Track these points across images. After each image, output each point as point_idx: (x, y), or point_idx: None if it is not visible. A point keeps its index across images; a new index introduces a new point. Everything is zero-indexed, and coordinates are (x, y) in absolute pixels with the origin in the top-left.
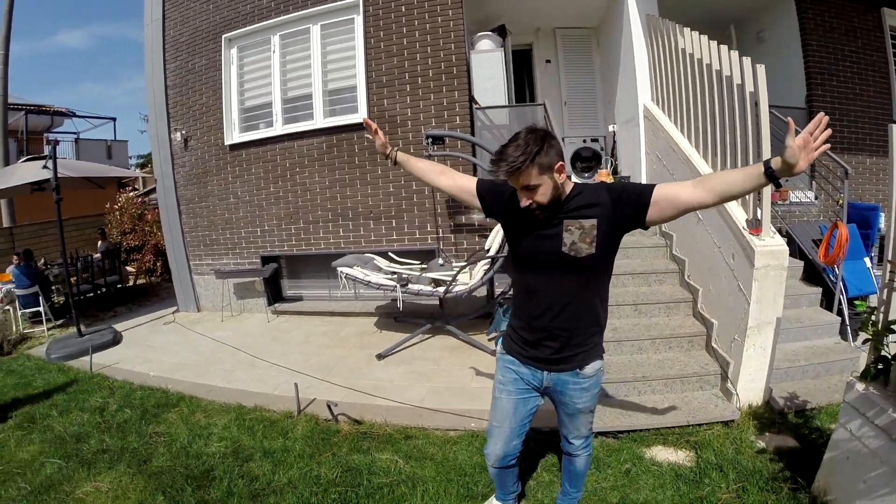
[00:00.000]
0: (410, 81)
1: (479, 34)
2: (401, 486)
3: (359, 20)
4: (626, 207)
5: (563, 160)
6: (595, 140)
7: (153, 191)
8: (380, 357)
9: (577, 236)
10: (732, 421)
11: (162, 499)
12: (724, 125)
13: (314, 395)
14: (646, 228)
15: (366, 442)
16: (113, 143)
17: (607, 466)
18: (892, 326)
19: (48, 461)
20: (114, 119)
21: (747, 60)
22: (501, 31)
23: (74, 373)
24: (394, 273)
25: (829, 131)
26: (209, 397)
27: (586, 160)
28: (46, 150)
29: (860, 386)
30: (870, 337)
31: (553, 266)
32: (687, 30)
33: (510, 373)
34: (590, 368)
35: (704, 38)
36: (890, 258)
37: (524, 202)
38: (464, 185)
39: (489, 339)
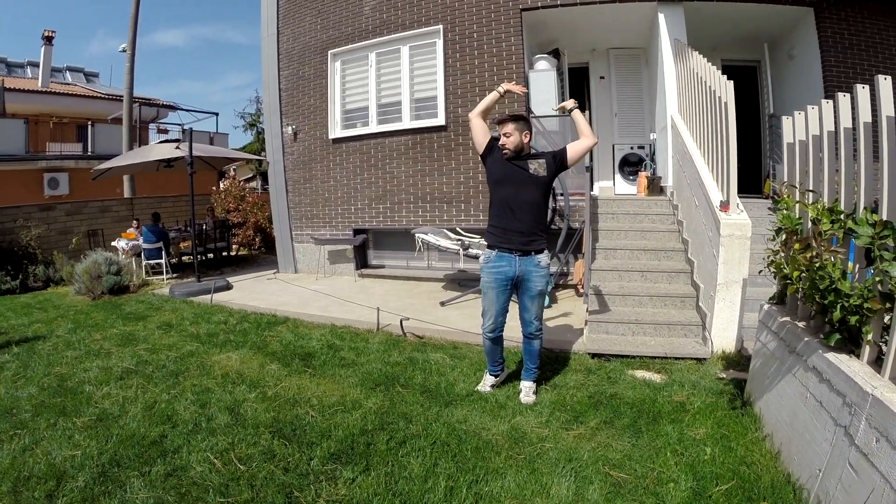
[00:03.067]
0: (480, 94)
1: (536, 56)
2: (444, 367)
3: (440, 43)
4: (557, 160)
5: (530, 133)
6: (641, 147)
7: (250, 180)
8: (442, 304)
9: (537, 166)
10: (705, 359)
11: (277, 364)
12: (713, 129)
13: (389, 322)
14: (567, 168)
15: (424, 347)
16: (215, 136)
17: (594, 374)
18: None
19: (187, 345)
20: (216, 114)
21: (723, 77)
22: (555, 54)
23: (196, 305)
24: (458, 239)
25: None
26: (308, 320)
27: (633, 164)
28: (153, 137)
29: (766, 306)
30: (774, 272)
31: (522, 182)
32: (695, 53)
33: (493, 274)
34: (542, 257)
35: (703, 59)
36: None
37: (502, 141)
38: (487, 132)
39: None
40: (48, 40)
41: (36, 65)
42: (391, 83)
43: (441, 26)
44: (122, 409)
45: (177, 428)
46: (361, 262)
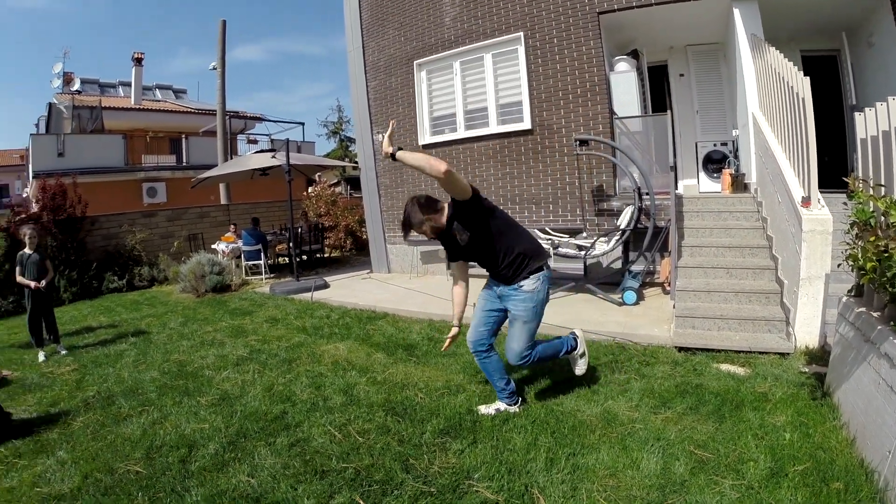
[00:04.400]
0: (563, 97)
1: (616, 58)
2: None
3: (521, 50)
4: (458, 210)
5: (432, 212)
6: (724, 144)
7: (335, 184)
8: None
9: (459, 233)
10: (788, 354)
11: (382, 354)
12: (793, 124)
13: None
14: (463, 202)
15: None
16: (302, 144)
17: (681, 366)
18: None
19: (294, 336)
20: (302, 123)
21: (800, 73)
22: (635, 55)
23: (298, 302)
24: (548, 239)
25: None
26: (406, 315)
27: (716, 162)
28: (243, 147)
29: (845, 298)
30: (851, 264)
31: (465, 252)
32: (772, 49)
33: (484, 290)
34: (525, 283)
35: (780, 55)
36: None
37: (426, 237)
38: (455, 267)
39: (619, 297)
40: (138, 62)
41: (127, 84)
42: (476, 90)
43: (521, 33)
44: (242, 391)
45: (296, 406)
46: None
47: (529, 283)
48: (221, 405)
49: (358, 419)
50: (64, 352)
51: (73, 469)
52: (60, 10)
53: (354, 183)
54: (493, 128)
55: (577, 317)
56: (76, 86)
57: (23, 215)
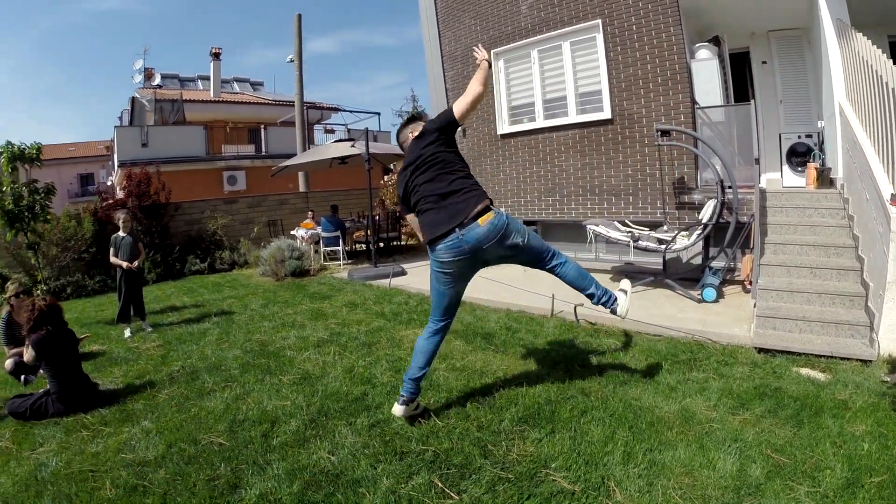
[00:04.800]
0: (644, 86)
1: (697, 45)
2: (616, 351)
3: (599, 38)
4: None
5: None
6: (809, 136)
7: None
8: None
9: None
10: (870, 361)
11: (461, 341)
12: (882, 115)
13: (562, 309)
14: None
15: (597, 333)
16: (378, 134)
17: (760, 367)
18: None
19: (374, 321)
20: (378, 113)
21: (889, 61)
22: (716, 41)
23: (376, 287)
24: (629, 232)
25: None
26: (484, 304)
27: (801, 155)
28: (319, 137)
29: None
30: None
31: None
32: (859, 35)
33: None
34: None
35: (867, 41)
36: None
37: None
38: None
39: (698, 294)
40: (216, 56)
41: (205, 78)
42: (555, 79)
43: (599, 21)
44: (323, 371)
45: (376, 388)
46: None
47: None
48: (303, 384)
49: (437, 403)
50: (149, 329)
51: (157, 438)
52: (138, 11)
53: None
54: (573, 117)
55: (655, 311)
56: (157, 81)
57: (110, 201)
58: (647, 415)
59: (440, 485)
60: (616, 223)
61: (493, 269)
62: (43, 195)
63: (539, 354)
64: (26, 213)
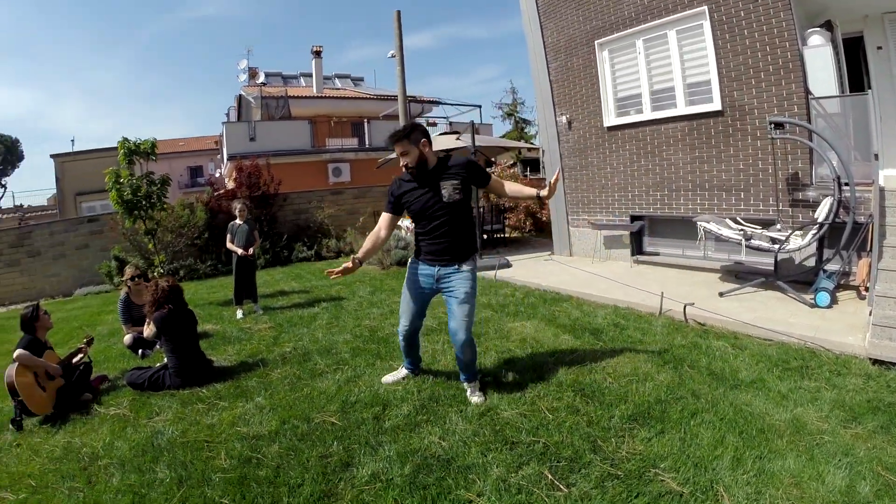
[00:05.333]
0: (755, 76)
1: (808, 31)
2: (726, 354)
3: (706, 25)
4: (477, 177)
5: (426, 139)
6: None
7: (511, 166)
8: (721, 294)
9: (450, 189)
10: None
11: (569, 336)
12: None
13: (670, 307)
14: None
15: (706, 334)
16: (479, 127)
17: (874, 380)
18: None
19: (481, 312)
20: (479, 106)
21: None
22: (828, 26)
23: (481, 279)
24: (741, 229)
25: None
26: (590, 299)
27: None
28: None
29: None
30: None
31: (438, 210)
32: None
33: (414, 275)
34: (465, 265)
35: None
36: None
37: (402, 162)
38: (386, 220)
39: (810, 298)
40: (317, 54)
41: (308, 75)
42: (662, 69)
43: (705, 7)
44: (433, 359)
45: (486, 378)
46: (637, 248)
47: (467, 265)
48: None
49: (547, 396)
50: (260, 311)
51: (270, 414)
52: (237, 16)
53: (529, 164)
54: (681, 109)
55: (765, 315)
56: (261, 79)
57: (220, 192)
58: (758, 421)
59: (550, 476)
60: (727, 220)
61: (599, 265)
62: (159, 186)
63: (648, 353)
64: (144, 202)
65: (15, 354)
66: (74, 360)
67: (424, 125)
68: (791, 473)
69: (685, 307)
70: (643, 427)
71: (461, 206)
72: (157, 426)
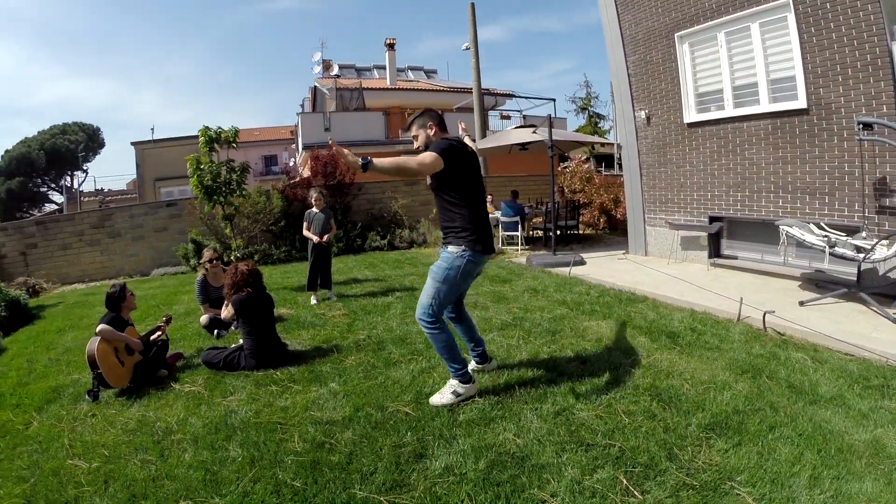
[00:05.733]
0: (841, 72)
1: None
2: (806, 367)
3: (791, 17)
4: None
5: (434, 123)
6: None
7: (584, 161)
8: (801, 304)
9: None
10: None
11: (645, 338)
12: None
13: (748, 314)
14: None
15: (786, 345)
16: (554, 120)
17: None
18: None
19: (556, 309)
20: (553, 100)
21: None
22: None
23: (554, 275)
24: (825, 236)
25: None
26: (666, 301)
27: None
28: (494, 123)
29: None
30: None
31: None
32: None
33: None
34: (449, 247)
35: None
36: None
37: (415, 145)
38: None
39: (894, 312)
40: (390, 47)
41: (381, 68)
42: (744, 63)
43: None
44: (507, 354)
45: (562, 377)
46: (714, 251)
47: (452, 247)
48: None
49: (623, 399)
50: (334, 298)
51: (344, 400)
52: (312, 9)
53: (601, 160)
54: (764, 106)
55: (846, 328)
56: (335, 71)
57: (296, 180)
58: (837, 440)
59: (625, 482)
60: (811, 225)
61: (675, 266)
62: (239, 172)
63: (725, 360)
64: (223, 188)
65: (98, 329)
66: (153, 337)
67: (436, 113)
68: (868, 497)
69: (765, 315)
70: (720, 437)
71: (439, 189)
72: (230, 405)
